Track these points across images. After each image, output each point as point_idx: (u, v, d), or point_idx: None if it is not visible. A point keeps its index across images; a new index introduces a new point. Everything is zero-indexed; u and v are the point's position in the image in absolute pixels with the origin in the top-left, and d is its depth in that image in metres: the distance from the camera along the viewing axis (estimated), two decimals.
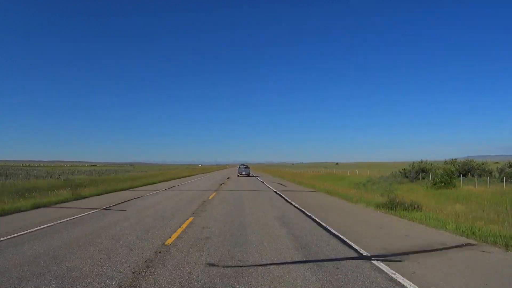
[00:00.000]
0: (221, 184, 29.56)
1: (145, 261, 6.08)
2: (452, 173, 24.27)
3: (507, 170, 25.66)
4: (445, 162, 30.26)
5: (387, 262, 6.20)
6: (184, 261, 6.09)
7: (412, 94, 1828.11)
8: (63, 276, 5.26)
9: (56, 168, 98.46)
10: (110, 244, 7.39)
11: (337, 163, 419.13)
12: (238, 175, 48.61)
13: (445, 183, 22.19)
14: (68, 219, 10.90)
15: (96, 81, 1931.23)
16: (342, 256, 6.58)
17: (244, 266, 5.85)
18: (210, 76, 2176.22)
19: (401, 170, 29.81)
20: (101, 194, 19.97)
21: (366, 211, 13.68)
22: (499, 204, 14.38)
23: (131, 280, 5.08)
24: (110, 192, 21.15)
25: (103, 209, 13.43)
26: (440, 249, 7.21)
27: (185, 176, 47.59)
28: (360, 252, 6.94)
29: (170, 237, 8.12)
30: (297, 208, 13.98)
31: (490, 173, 27.26)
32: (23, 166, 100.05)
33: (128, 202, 16.03)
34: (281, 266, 5.90)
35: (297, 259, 6.31)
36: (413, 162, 29.88)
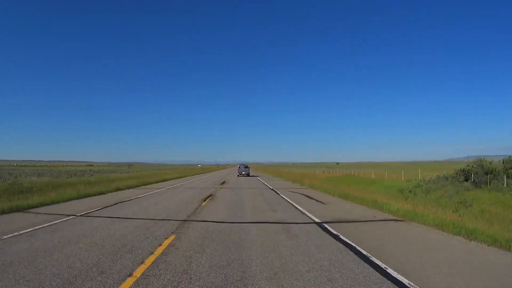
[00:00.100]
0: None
1: None
2: None
3: None
4: (504, 161, 22.85)
5: None
6: None
7: (412, 94, 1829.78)
8: None
9: (43, 167, 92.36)
10: None
11: (337, 163, 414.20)
12: (238, 175, 47.57)
13: None
14: None
15: (96, 81, 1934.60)
16: None
17: None
18: (210, 76, 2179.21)
19: (457, 171, 22.49)
20: (42, 205, 13.83)
21: None
22: None
23: None
24: (58, 202, 15.00)
25: None
26: None
27: (177, 178, 40.20)
28: None
29: None
30: None
31: None
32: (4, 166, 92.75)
33: (38, 230, 8.66)
34: None
35: None
36: (472, 160, 22.60)
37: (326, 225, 9.85)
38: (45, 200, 14.79)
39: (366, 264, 6.01)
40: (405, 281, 5.13)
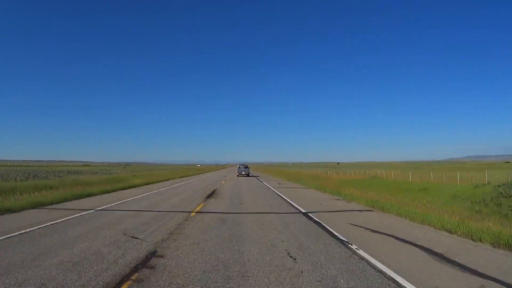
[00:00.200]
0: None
1: None
2: None
3: None
4: None
5: None
6: None
7: (412, 94, 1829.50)
8: None
9: (30, 167, 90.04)
10: None
11: (338, 163, 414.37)
12: (237, 175, 46.95)
13: None
14: None
15: (96, 81, 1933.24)
16: None
17: None
18: (210, 76, 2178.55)
19: None
20: None
21: None
22: None
23: None
24: None
25: None
26: None
27: (167, 180, 35.67)
28: None
29: None
30: None
31: None
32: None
33: None
34: None
35: None
36: None
37: None
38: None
39: None
40: None
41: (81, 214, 11.25)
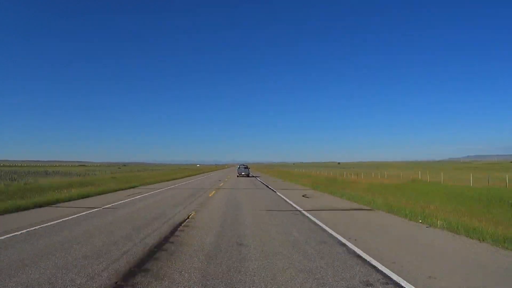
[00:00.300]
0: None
1: None
2: None
3: None
4: None
5: None
6: None
7: (412, 94, 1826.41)
8: None
9: (13, 168, 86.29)
10: None
11: (339, 163, 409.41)
12: (237, 176, 45.73)
13: None
14: None
15: (96, 81, 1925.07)
16: None
17: None
18: (210, 76, 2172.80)
19: None
20: None
21: None
22: None
23: None
24: None
25: None
26: None
27: (145, 184, 28.19)
28: None
29: None
30: None
31: None
32: None
33: None
34: None
35: None
36: None
37: None
38: None
39: None
40: None
41: None
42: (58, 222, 10.12)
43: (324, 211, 13.31)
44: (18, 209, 12.38)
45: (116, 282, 5.02)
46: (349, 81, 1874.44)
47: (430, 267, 5.99)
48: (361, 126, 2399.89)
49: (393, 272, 5.61)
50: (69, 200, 15.88)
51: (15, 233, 8.43)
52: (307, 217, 11.67)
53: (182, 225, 9.82)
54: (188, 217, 11.15)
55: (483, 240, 7.97)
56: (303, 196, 19.35)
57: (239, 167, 48.03)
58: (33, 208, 12.96)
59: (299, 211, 13.20)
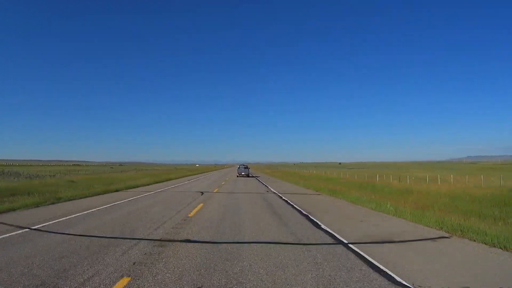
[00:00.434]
0: None
1: None
2: None
3: None
4: None
5: None
6: None
7: (412, 94, 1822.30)
8: None
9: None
10: None
11: (340, 163, 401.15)
12: (237, 176, 44.86)
13: None
14: None
15: (96, 81, 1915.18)
16: None
17: None
18: (210, 76, 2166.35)
19: None
20: None
21: None
22: None
23: None
24: None
25: None
26: None
27: (132, 187, 22.80)
28: None
29: None
30: None
31: None
32: None
33: None
34: None
35: None
36: None
37: None
38: None
39: None
40: None
41: None
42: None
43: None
44: None
45: None
46: (349, 81, 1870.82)
47: None
48: (361, 126, 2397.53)
49: None
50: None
51: None
52: None
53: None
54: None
55: None
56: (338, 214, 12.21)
57: (239, 167, 47.43)
58: None
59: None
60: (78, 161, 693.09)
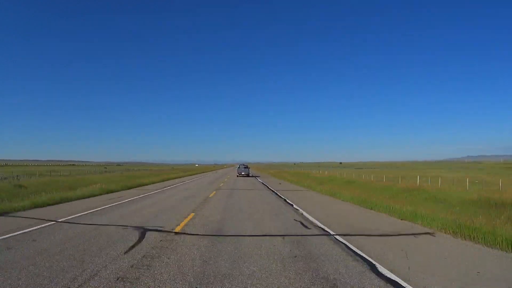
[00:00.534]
0: None
1: None
2: None
3: None
4: None
5: None
6: None
7: (412, 94, 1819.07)
8: None
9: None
10: None
11: (340, 163, 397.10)
12: (237, 175, 44.94)
13: None
14: None
15: (96, 81, 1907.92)
16: None
17: None
18: (210, 76, 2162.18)
19: None
20: None
21: None
22: None
23: None
24: None
25: None
26: None
27: (96, 195, 18.07)
28: None
29: None
30: None
31: None
32: None
33: None
34: None
35: None
36: None
37: None
38: None
39: None
40: None
41: None
42: None
43: None
44: None
45: None
46: (349, 81, 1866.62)
47: None
48: (361, 126, 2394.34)
49: None
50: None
51: None
52: None
53: None
54: None
55: None
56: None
57: (239, 167, 47.15)
58: None
59: None
60: (78, 161, 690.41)
